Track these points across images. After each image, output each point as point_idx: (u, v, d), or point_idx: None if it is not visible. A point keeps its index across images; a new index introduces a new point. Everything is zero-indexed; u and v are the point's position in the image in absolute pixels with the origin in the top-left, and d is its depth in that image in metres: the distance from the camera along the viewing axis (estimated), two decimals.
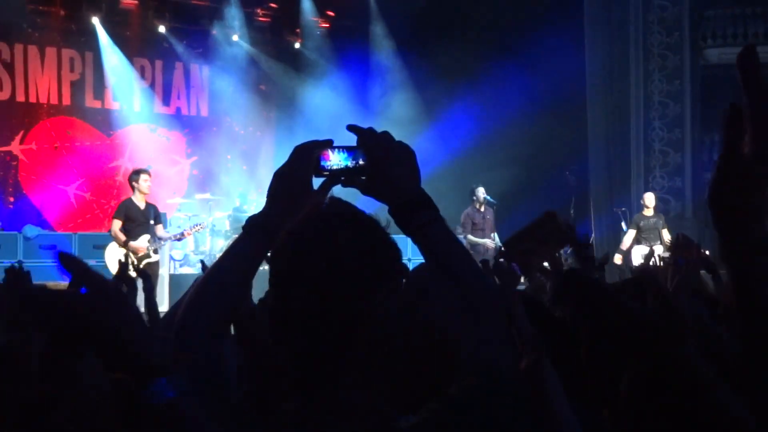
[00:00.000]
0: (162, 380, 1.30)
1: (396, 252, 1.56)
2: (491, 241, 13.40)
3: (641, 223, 13.46)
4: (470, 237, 13.28)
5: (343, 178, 1.76)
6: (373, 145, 1.73)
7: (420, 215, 1.68)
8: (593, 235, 16.01)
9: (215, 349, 1.64)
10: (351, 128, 1.76)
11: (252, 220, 1.74)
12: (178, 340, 1.64)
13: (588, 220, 16.73)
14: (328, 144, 1.75)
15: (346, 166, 1.75)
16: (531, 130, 16.56)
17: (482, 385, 1.56)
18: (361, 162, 1.74)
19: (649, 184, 16.48)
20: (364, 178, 1.74)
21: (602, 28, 17.93)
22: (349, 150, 1.75)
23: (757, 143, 1.12)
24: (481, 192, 13.80)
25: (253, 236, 1.72)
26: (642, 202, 13.99)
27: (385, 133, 1.72)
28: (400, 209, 1.69)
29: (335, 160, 1.75)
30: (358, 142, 1.75)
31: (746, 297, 1.15)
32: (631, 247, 13.30)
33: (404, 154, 1.72)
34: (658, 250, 12.82)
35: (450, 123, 17.10)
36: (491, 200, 13.91)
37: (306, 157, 1.74)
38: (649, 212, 13.60)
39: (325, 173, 1.75)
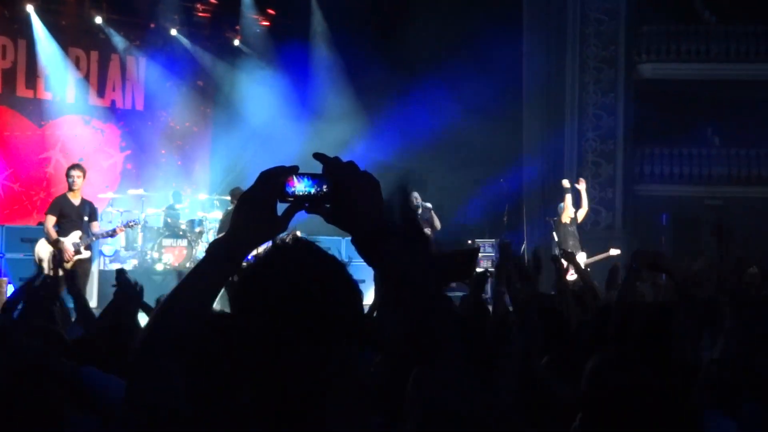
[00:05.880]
0: None
1: (357, 296, 1.61)
2: None
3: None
4: None
5: (307, 205, 1.78)
6: (338, 174, 1.74)
7: (382, 247, 1.69)
8: (525, 242, 16.23)
9: (175, 372, 1.65)
10: (317, 156, 1.76)
11: (215, 246, 1.75)
12: (138, 366, 1.66)
13: (521, 227, 16.96)
14: (294, 170, 1.77)
15: (311, 193, 1.77)
16: (469, 135, 16.70)
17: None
18: (325, 189, 1.76)
19: None
20: (328, 205, 1.76)
21: (540, 36, 18.20)
22: (314, 177, 1.77)
23: None
24: (414, 197, 13.78)
25: (217, 262, 1.73)
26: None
27: (351, 163, 1.74)
28: (362, 240, 1.71)
29: (300, 186, 1.77)
30: (323, 170, 1.77)
31: None
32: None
33: (369, 184, 1.74)
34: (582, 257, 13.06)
35: (389, 125, 17.13)
36: (427, 205, 13.93)
37: (271, 182, 1.75)
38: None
39: (290, 199, 1.77)
